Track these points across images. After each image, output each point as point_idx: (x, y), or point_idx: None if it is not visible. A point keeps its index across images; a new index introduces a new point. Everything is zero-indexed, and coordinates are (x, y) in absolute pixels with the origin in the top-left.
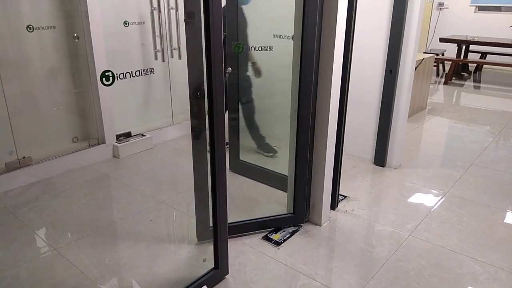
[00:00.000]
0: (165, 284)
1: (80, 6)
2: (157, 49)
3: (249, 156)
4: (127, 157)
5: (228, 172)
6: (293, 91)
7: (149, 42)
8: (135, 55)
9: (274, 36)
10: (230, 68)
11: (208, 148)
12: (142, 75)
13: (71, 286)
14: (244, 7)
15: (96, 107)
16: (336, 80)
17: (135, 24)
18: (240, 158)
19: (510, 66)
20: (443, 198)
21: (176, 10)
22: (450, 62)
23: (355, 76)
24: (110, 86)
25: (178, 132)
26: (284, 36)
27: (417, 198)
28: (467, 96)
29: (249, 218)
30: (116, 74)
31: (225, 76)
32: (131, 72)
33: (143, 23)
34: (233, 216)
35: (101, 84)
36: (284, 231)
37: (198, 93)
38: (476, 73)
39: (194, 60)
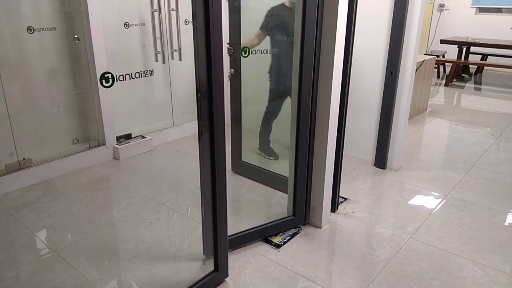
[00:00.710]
0: (164, 286)
1: (80, 8)
2: (158, 50)
3: (251, 157)
4: (127, 159)
5: (230, 173)
6: (293, 93)
7: (149, 44)
8: (136, 56)
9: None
10: (232, 70)
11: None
12: (142, 76)
13: None
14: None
15: (96, 109)
16: (337, 82)
17: (135, 25)
18: (242, 160)
19: (511, 67)
20: (444, 201)
21: (177, 12)
22: (451, 64)
23: (356, 77)
24: (110, 88)
25: (179, 134)
26: None
27: (418, 200)
28: (468, 98)
29: (250, 227)
30: (116, 76)
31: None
32: (131, 73)
33: (144, 24)
34: (233, 218)
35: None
36: (284, 233)
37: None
38: (477, 74)
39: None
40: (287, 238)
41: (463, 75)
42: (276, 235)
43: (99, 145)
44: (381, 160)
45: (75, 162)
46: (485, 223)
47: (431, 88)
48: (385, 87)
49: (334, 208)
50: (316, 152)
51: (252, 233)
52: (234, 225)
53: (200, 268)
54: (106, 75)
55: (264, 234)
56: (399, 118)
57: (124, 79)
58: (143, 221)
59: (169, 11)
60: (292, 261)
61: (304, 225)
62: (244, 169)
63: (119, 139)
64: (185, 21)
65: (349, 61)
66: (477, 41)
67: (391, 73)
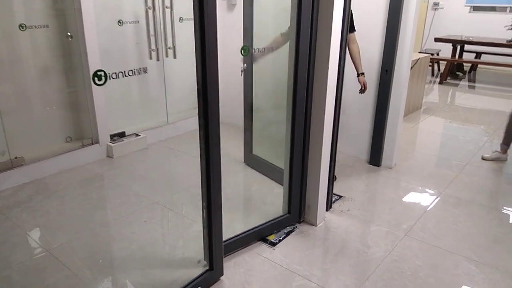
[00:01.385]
0: (159, 285)
1: (73, 5)
2: (152, 48)
3: (260, 150)
4: (121, 157)
5: (242, 165)
6: (288, 92)
7: (143, 41)
8: (129, 54)
9: None
10: (245, 65)
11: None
12: (135, 74)
13: None
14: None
15: (90, 107)
16: (332, 81)
17: (129, 23)
18: (253, 152)
19: (505, 66)
20: (439, 198)
21: (171, 9)
22: (445, 62)
23: (351, 75)
24: (103, 86)
25: (173, 132)
26: None
27: (413, 198)
28: (462, 95)
29: (244, 230)
30: (109, 73)
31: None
32: (124, 71)
33: (138, 22)
34: (227, 215)
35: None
36: (280, 231)
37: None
38: (471, 72)
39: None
40: (282, 236)
41: (457, 73)
42: (271, 233)
43: (92, 143)
44: (376, 157)
45: (68, 160)
46: (479, 220)
47: (426, 86)
48: (380, 85)
49: (328, 206)
50: (311, 150)
51: (247, 236)
52: (231, 223)
53: (195, 266)
54: (98, 73)
55: (261, 235)
56: (394, 115)
57: (118, 77)
58: (137, 220)
59: (164, 9)
60: (288, 259)
61: (299, 223)
62: (255, 162)
63: (113, 137)
64: (179, 18)
65: (344, 60)
66: (471, 39)
67: (386, 71)
